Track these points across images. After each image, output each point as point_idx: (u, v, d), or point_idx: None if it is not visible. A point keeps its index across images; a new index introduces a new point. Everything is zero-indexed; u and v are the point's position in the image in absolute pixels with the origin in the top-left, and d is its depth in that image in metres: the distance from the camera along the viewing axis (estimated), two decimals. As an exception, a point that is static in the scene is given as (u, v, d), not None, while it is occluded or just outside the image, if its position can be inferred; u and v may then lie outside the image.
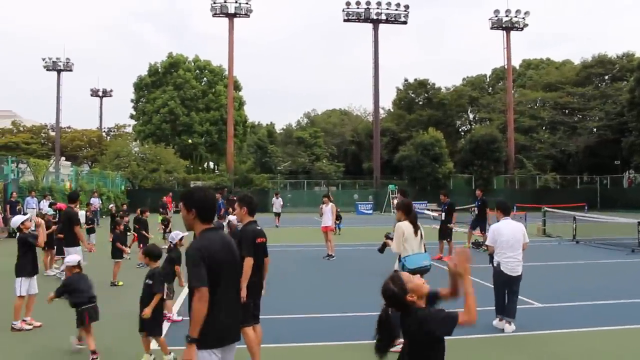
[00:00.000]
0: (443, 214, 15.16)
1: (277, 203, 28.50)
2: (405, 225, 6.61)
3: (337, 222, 18.42)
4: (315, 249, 16.29)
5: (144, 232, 13.92)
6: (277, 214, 28.17)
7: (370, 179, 49.12)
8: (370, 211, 40.15)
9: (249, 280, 5.23)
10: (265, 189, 43.92)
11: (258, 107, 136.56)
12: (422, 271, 6.51)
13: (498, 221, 7.62)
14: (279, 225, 27.20)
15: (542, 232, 21.65)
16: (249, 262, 5.29)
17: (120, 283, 10.55)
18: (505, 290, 7.34)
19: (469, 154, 46.02)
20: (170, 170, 46.18)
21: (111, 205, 21.51)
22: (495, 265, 7.38)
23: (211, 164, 72.96)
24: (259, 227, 5.66)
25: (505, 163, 48.09)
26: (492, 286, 7.52)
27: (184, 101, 61.06)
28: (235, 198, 20.12)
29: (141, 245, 13.20)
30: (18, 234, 7.82)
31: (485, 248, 8.55)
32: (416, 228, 6.64)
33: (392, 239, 6.74)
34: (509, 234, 7.33)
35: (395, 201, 20.12)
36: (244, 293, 5.12)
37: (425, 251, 6.70)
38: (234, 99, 55.82)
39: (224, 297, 3.38)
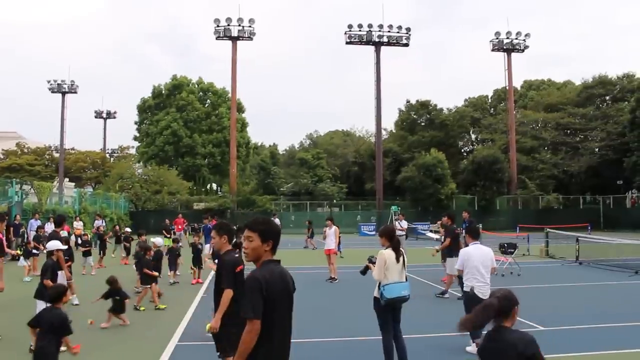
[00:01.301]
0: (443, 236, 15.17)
1: None
2: (388, 253, 6.60)
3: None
4: (317, 271, 16.31)
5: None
6: None
7: (372, 200, 49.12)
8: (373, 232, 39.98)
9: (233, 307, 5.13)
10: (268, 211, 43.91)
11: (261, 128, 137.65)
12: (400, 300, 6.54)
13: (467, 245, 7.75)
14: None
15: (544, 253, 21.62)
16: (228, 295, 5.19)
17: (142, 308, 10.59)
18: None
19: (472, 175, 46.07)
20: (173, 191, 46.30)
21: (127, 229, 21.57)
22: (468, 290, 7.45)
23: (214, 186, 73.15)
24: (236, 255, 5.61)
25: (508, 183, 48.12)
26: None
27: (187, 123, 61.48)
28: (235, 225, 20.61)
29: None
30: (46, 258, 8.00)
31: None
32: (398, 255, 6.62)
33: (374, 262, 6.78)
34: (478, 258, 7.43)
35: (403, 224, 20.06)
36: (217, 324, 5.14)
37: (406, 279, 6.69)
38: (237, 121, 56.20)
39: (275, 330, 3.35)
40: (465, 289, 7.55)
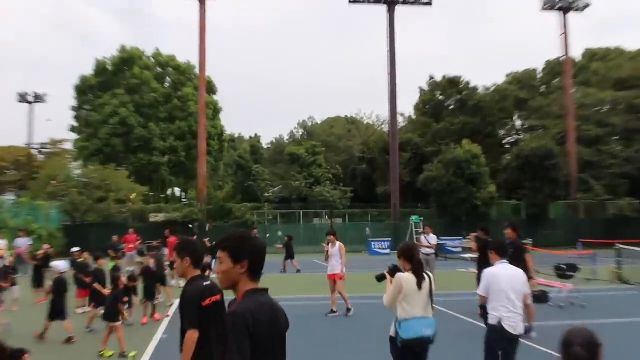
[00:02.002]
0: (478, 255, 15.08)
1: None
2: (406, 278, 6.53)
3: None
4: (317, 302, 16.24)
5: (96, 286, 13.69)
6: None
7: (386, 208, 49.14)
8: (388, 250, 39.97)
9: (203, 353, 4.98)
10: (249, 223, 43.87)
11: (239, 115, 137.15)
12: (422, 342, 6.44)
13: (492, 265, 7.66)
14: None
15: (616, 277, 21.57)
16: (191, 337, 5.01)
17: (133, 354, 10.40)
18: (507, 353, 7.23)
19: (517, 174, 46.12)
20: (122, 199, 46.15)
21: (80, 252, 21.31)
22: (495, 323, 7.24)
23: (177, 191, 73.14)
24: (206, 283, 5.33)
25: (565, 185, 48.17)
26: (500, 352, 7.26)
27: (141, 108, 61.45)
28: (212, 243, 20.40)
29: (93, 304, 13.07)
30: None
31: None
32: (420, 280, 6.55)
33: (394, 273, 6.69)
34: (506, 281, 7.32)
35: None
36: None
37: (433, 314, 6.61)
38: (207, 105, 56.16)
39: None
40: (490, 321, 7.30)
